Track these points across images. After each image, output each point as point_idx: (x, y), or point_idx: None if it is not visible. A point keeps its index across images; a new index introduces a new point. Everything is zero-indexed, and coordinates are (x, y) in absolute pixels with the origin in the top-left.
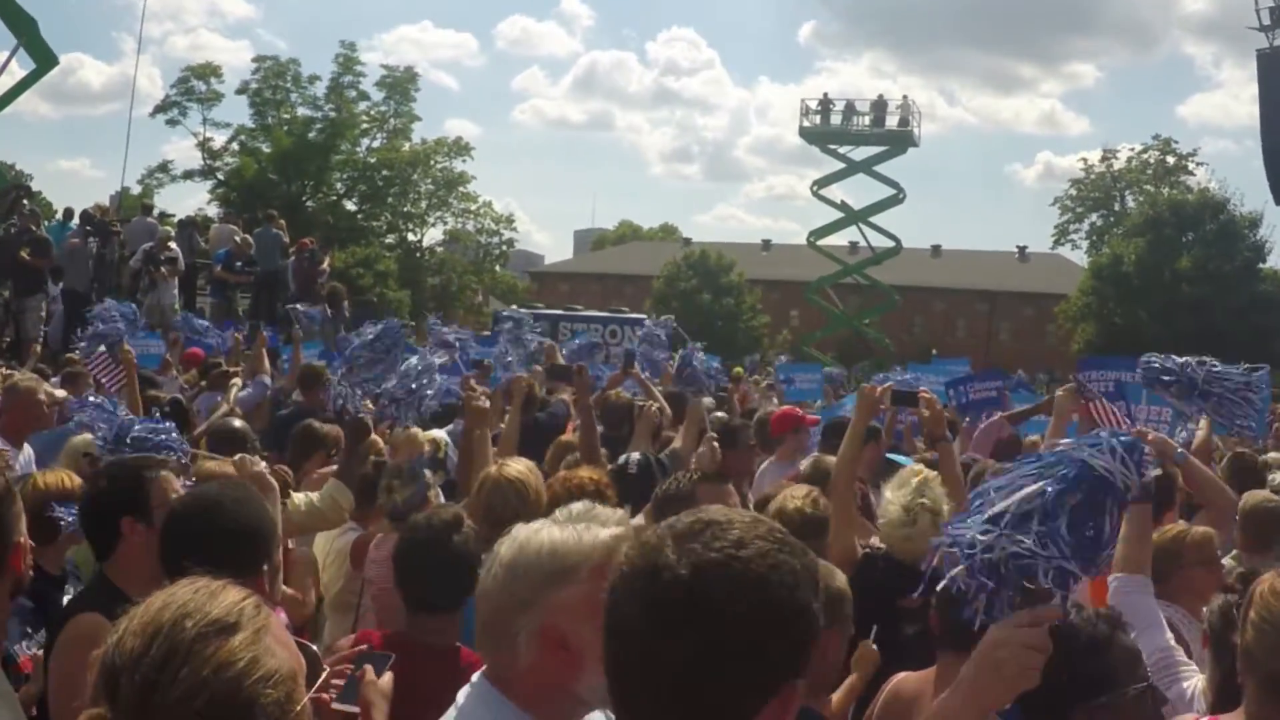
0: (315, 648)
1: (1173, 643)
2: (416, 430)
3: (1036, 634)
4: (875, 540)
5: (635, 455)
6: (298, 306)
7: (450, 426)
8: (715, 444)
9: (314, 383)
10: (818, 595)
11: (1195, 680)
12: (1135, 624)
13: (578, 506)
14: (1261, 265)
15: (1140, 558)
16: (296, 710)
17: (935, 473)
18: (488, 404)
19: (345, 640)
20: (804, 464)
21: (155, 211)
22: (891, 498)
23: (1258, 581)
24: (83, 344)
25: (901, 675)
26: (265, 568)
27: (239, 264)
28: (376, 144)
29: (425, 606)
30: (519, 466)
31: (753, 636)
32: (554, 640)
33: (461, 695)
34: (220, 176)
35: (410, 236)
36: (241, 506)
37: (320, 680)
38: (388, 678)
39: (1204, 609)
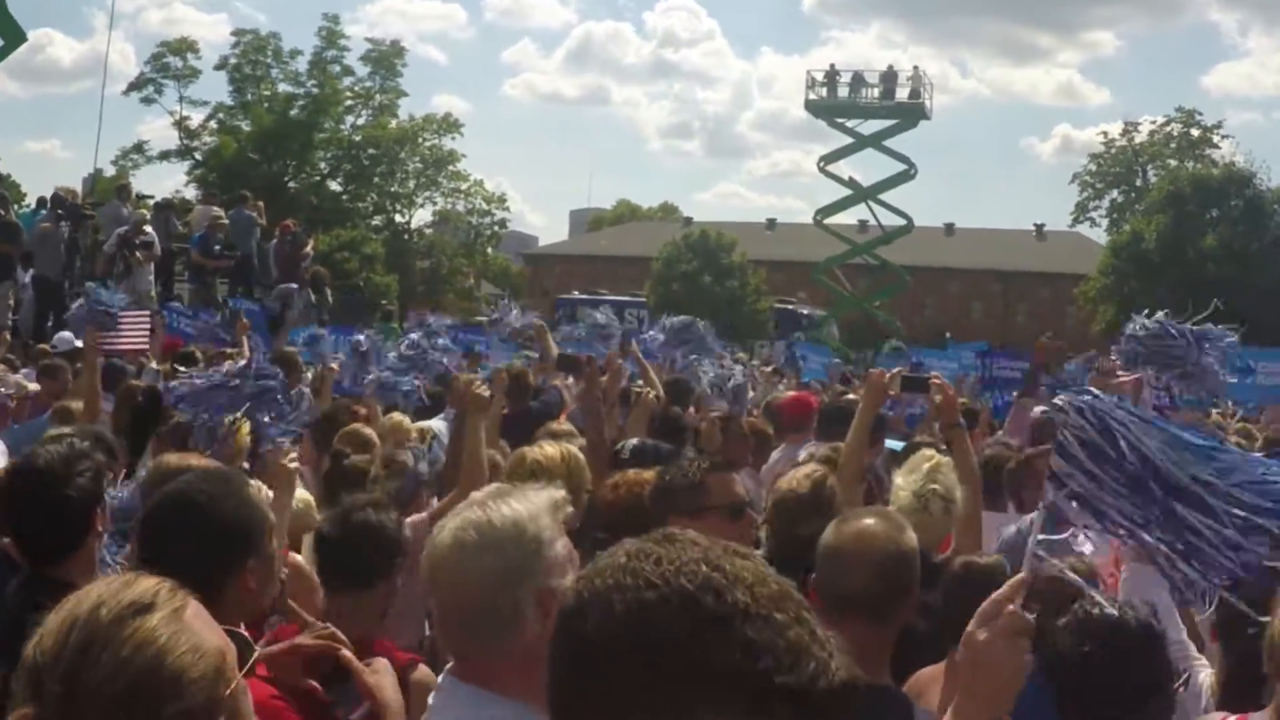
0: (245, 633)
1: (1185, 636)
2: (403, 418)
3: (1013, 620)
4: None
5: (632, 441)
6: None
7: (442, 415)
8: (717, 422)
9: (291, 369)
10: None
11: (1204, 674)
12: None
13: (495, 487)
14: None
15: None
16: (229, 688)
17: (948, 458)
18: (489, 392)
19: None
20: (804, 453)
21: (132, 194)
22: (902, 483)
23: None
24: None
25: (922, 670)
26: (251, 562)
27: (218, 247)
28: (361, 121)
29: (344, 585)
30: (550, 450)
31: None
32: (550, 603)
33: (431, 699)
34: (198, 157)
35: (398, 218)
36: (218, 502)
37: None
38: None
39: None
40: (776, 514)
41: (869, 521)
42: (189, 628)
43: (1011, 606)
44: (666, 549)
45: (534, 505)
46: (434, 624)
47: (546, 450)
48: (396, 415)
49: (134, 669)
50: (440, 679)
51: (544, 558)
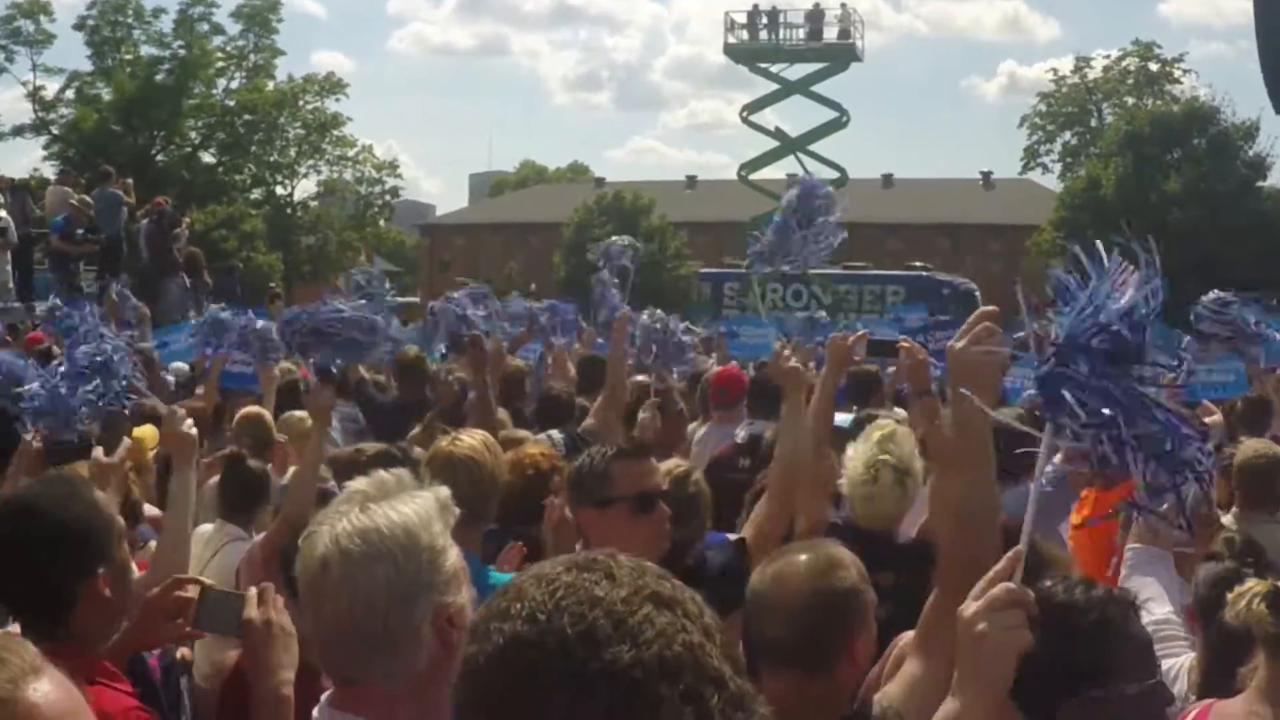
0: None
1: (1173, 615)
2: (304, 416)
3: (1002, 593)
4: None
5: (556, 433)
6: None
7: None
8: (657, 409)
9: (148, 366)
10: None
11: (1184, 658)
12: (1146, 595)
13: (376, 482)
14: (1261, 183)
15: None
16: None
17: (905, 428)
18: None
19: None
20: (741, 432)
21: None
22: (854, 453)
23: None
24: None
25: (907, 635)
26: (102, 570)
27: (80, 231)
28: (235, 85)
29: None
30: (472, 441)
31: None
32: (444, 621)
33: None
34: (55, 131)
35: (279, 190)
36: (61, 507)
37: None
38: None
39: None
40: None
41: (792, 560)
42: None
43: (1011, 583)
44: (575, 576)
45: (423, 509)
46: (313, 646)
47: (468, 441)
48: (298, 413)
49: None
50: (316, 711)
51: (440, 569)
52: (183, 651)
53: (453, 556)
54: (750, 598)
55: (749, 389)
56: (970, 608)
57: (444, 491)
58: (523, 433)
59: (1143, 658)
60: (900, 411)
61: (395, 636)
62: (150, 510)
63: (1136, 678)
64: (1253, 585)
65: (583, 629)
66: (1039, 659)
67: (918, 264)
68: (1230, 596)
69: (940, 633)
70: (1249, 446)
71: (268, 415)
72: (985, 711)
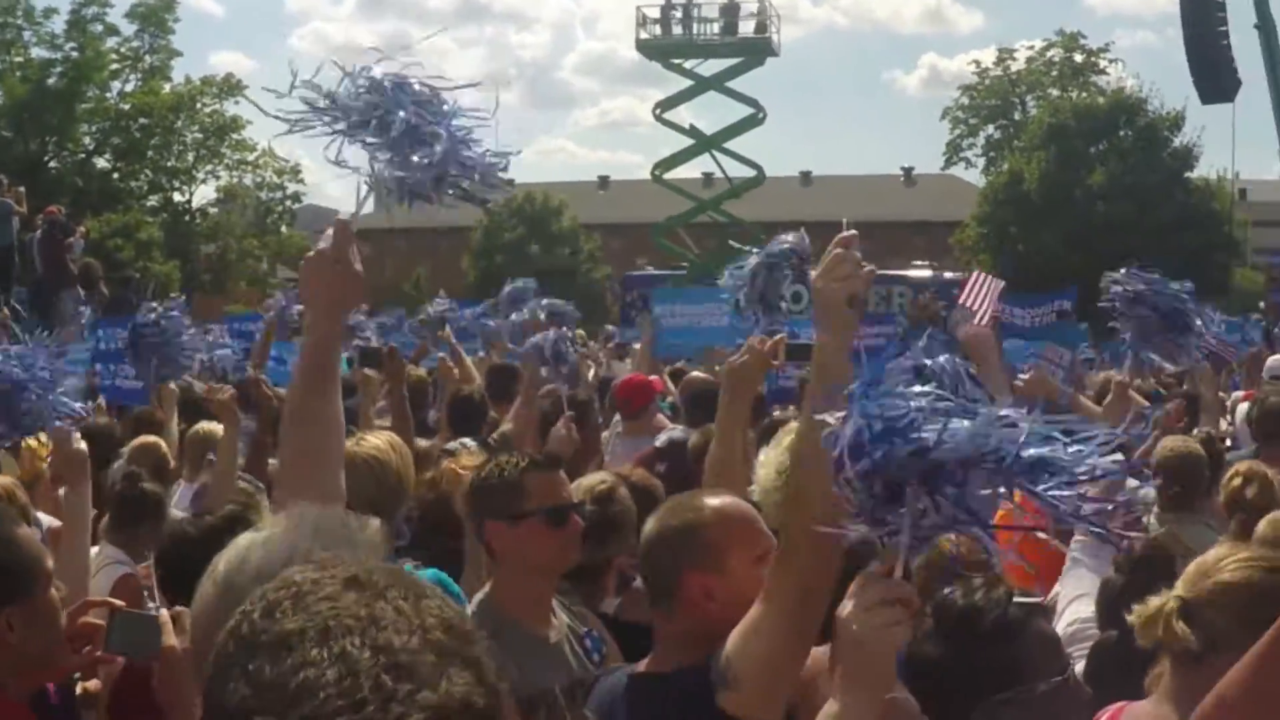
0: None
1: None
2: (213, 427)
3: (875, 591)
4: None
5: (469, 440)
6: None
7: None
8: (573, 424)
9: None
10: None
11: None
12: (1075, 593)
13: (327, 518)
14: (1189, 175)
15: None
16: None
17: None
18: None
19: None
20: (664, 438)
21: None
22: (764, 459)
23: None
24: None
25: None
26: (8, 609)
27: None
28: (130, 87)
29: None
30: (376, 441)
31: None
32: None
33: None
34: None
35: (177, 197)
36: None
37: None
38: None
39: None
40: None
41: (676, 499)
42: None
43: (889, 582)
44: (289, 573)
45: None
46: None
47: (373, 441)
48: (206, 425)
49: None
50: None
51: None
52: (84, 685)
53: None
54: (642, 543)
55: (689, 396)
56: (846, 607)
57: (376, 524)
58: (424, 442)
59: (1050, 655)
60: None
61: None
62: (48, 520)
63: (1045, 675)
64: (1162, 603)
65: (267, 610)
66: (945, 666)
67: (920, 262)
68: (1139, 620)
69: (775, 578)
70: (1166, 444)
71: (163, 444)
72: (867, 712)
